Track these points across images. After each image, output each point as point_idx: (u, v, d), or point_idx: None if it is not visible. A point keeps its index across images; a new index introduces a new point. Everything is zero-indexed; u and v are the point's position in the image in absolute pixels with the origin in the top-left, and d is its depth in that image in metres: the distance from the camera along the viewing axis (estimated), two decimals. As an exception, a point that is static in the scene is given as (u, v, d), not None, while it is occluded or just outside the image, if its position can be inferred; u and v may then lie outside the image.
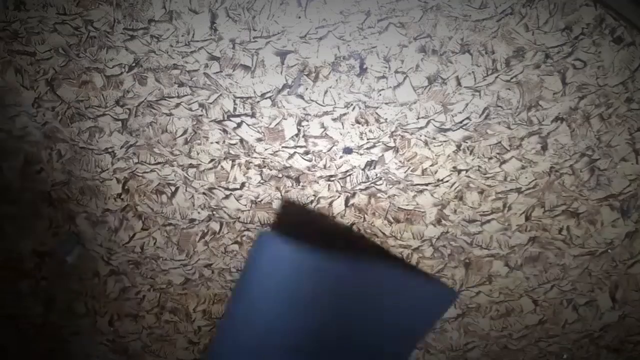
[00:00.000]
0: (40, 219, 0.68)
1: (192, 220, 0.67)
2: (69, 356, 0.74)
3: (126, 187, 0.66)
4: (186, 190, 0.66)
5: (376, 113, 0.61)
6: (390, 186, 0.64)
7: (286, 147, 0.63)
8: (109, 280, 0.70)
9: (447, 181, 0.63)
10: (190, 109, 0.63)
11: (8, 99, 0.63)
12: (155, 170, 0.65)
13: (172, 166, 0.65)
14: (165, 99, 0.62)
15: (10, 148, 0.66)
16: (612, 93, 0.59)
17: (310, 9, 0.58)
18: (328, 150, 0.63)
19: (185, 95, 0.62)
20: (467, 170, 0.62)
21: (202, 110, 0.63)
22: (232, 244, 0.68)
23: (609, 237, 0.64)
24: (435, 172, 0.63)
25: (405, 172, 0.63)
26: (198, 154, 0.64)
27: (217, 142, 0.64)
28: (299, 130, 0.62)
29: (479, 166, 0.62)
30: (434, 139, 0.62)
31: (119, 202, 0.67)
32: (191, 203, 0.66)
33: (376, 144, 0.62)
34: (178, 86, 0.62)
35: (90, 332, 0.74)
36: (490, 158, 0.62)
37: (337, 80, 0.60)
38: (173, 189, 0.66)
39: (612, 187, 0.62)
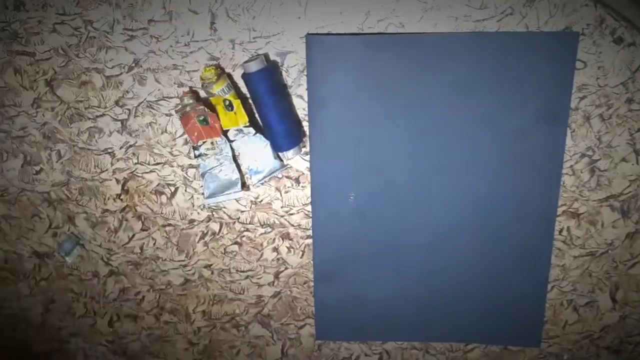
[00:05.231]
0: (40, 220, 0.68)
1: (191, 221, 0.67)
2: (68, 357, 0.74)
3: (126, 188, 0.66)
4: (186, 191, 0.66)
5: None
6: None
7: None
8: (109, 281, 0.70)
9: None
10: (190, 110, 0.63)
11: (8, 99, 0.63)
12: (154, 171, 0.65)
13: (172, 166, 0.65)
14: (165, 99, 0.62)
15: (10, 148, 0.65)
16: (613, 93, 0.59)
17: (310, 8, 0.58)
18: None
19: (188, 95, 0.62)
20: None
21: (201, 111, 0.62)
22: (231, 244, 0.67)
23: (609, 238, 0.64)
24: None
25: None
26: (198, 155, 0.64)
27: (217, 143, 0.64)
28: (298, 130, 0.62)
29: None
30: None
31: (118, 202, 0.67)
32: (191, 204, 0.66)
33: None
34: (178, 86, 0.61)
35: (90, 332, 0.74)
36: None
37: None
38: (173, 189, 0.66)
39: (613, 187, 0.62)
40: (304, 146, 0.62)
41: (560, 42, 0.57)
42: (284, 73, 0.60)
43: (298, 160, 0.63)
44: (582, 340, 0.69)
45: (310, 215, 0.64)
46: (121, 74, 0.62)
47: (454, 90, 0.58)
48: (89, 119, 0.64)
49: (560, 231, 0.64)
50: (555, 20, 0.57)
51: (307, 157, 0.63)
